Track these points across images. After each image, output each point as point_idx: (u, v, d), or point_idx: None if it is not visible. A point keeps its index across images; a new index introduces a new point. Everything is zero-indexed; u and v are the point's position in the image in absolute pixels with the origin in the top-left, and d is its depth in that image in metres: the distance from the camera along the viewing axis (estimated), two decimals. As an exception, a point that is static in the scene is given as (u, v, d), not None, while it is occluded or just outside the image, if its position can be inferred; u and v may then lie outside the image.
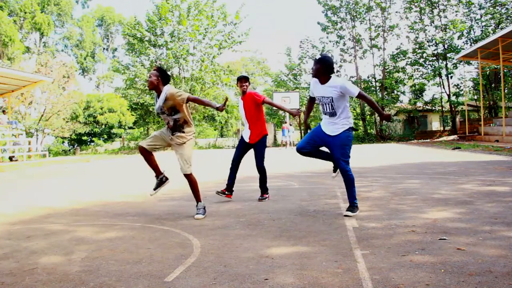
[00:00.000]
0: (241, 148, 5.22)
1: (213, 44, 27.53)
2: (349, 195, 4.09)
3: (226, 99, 4.45)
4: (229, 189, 5.17)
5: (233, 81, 26.97)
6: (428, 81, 31.02)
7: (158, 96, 4.17)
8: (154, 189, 4.40)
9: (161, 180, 4.39)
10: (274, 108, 26.94)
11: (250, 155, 5.28)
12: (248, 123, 5.14)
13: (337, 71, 31.41)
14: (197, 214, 4.21)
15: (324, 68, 3.96)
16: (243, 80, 5.08)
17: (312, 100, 4.43)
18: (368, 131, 31.61)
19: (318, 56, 4.26)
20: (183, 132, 4.23)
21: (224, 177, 5.22)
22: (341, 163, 3.99)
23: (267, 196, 5.18)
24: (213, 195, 5.35)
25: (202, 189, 6.25)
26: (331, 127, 4.03)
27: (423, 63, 30.29)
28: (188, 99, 4.13)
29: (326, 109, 4.03)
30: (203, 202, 4.35)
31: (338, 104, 3.97)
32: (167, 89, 4.11)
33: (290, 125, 25.05)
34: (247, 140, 5.15)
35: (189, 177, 4.25)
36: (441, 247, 2.80)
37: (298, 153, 4.22)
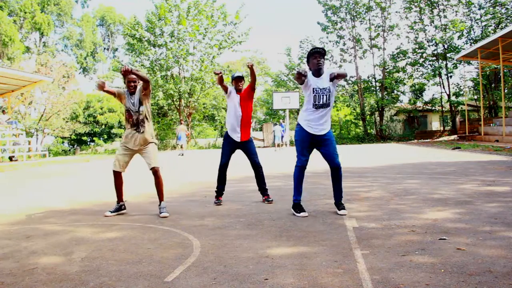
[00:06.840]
0: (230, 149, 5.05)
1: (213, 44, 27.52)
2: (340, 190, 4.17)
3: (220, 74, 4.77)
4: (220, 193, 5.09)
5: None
6: (428, 81, 31.01)
7: (131, 94, 4.39)
8: (112, 212, 4.50)
9: (120, 207, 4.56)
10: (274, 108, 26.98)
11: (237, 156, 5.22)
12: (240, 122, 4.97)
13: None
14: (163, 212, 4.31)
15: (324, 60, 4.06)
16: (240, 79, 5.04)
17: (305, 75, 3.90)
18: (368, 131, 31.58)
19: (316, 48, 4.02)
20: (145, 127, 4.39)
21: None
22: (339, 160, 4.12)
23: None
24: (214, 194, 5.33)
25: (202, 189, 6.26)
26: (319, 127, 4.06)
27: (423, 63, 30.28)
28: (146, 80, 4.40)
29: (321, 101, 4.00)
30: (165, 202, 4.46)
31: (332, 96, 4.05)
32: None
33: (279, 124, 23.83)
34: (237, 139, 4.98)
35: (158, 173, 4.42)
36: (441, 247, 2.79)
37: (302, 170, 4.20)
